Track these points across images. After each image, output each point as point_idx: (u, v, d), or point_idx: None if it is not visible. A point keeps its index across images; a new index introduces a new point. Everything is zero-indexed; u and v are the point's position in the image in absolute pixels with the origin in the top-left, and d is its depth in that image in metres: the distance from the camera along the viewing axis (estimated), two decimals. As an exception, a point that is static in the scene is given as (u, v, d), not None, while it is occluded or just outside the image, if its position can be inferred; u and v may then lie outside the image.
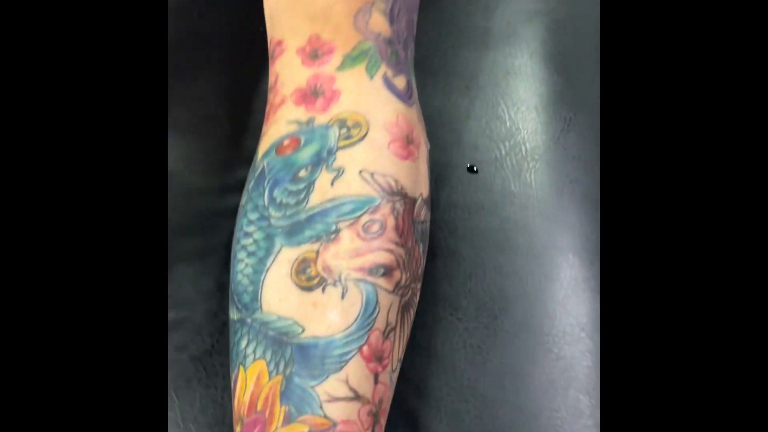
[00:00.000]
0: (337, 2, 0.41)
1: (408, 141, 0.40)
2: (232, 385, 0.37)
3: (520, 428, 0.36)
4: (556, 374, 0.36)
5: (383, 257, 0.37)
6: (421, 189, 0.40)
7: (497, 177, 0.44)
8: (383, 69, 0.41)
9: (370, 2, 0.41)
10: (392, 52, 0.42)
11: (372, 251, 0.36)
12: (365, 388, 0.34)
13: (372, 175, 0.38)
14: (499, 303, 0.40)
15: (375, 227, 0.37)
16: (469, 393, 0.38)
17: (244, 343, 0.37)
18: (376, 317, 0.36)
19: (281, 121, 0.41)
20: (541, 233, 0.42)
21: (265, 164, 0.40)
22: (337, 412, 0.34)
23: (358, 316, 0.35)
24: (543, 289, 0.40)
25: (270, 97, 0.43)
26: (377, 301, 0.36)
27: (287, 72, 0.42)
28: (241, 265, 0.39)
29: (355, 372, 0.34)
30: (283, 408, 0.34)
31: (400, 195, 0.38)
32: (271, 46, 0.43)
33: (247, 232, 0.39)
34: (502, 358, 0.38)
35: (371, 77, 0.40)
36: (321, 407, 0.34)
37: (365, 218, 0.36)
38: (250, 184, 0.41)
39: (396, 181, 0.38)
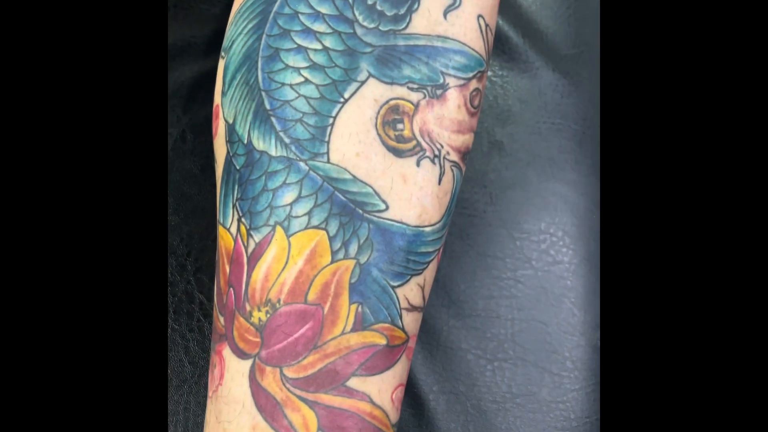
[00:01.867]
0: None
1: None
2: (241, 247, 0.25)
3: (504, 341, 0.33)
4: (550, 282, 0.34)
5: (471, 142, 0.28)
6: None
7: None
8: None
9: None
10: None
11: (470, 131, 0.28)
12: (426, 298, 0.27)
13: (487, 27, 0.28)
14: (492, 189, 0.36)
15: (477, 100, 0.28)
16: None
17: (288, 195, 0.25)
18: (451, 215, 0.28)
19: None
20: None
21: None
22: (411, 324, 0.26)
23: (447, 210, 0.27)
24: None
25: None
26: (456, 197, 0.28)
27: None
28: (296, 76, 0.25)
29: (429, 278, 0.27)
30: (354, 307, 0.24)
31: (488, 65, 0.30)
32: None
33: (310, 29, 0.25)
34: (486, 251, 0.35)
35: None
36: (401, 316, 0.25)
37: (474, 84, 0.27)
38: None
39: (492, 45, 0.30)
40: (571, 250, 0.35)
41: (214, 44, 0.34)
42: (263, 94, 0.25)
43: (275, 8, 0.26)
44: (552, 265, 0.35)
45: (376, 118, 0.26)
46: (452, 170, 0.27)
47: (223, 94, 0.27)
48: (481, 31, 0.28)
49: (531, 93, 0.38)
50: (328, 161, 0.25)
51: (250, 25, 0.26)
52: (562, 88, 0.38)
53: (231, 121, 0.26)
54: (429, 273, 0.27)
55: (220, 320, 0.26)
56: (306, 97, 0.25)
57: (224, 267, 0.26)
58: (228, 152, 0.26)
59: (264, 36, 0.26)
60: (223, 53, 0.27)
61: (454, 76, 0.26)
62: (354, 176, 0.25)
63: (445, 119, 0.26)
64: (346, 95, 0.25)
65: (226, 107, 0.26)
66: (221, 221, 0.26)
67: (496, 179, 0.36)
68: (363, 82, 0.25)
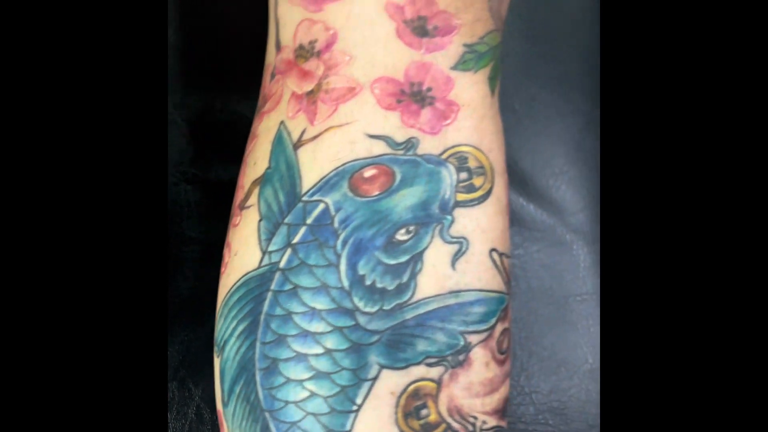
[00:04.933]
0: None
1: None
2: None
3: None
4: None
5: (508, 390, 0.25)
6: None
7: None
8: (498, 81, 0.27)
9: None
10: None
11: (504, 379, 0.25)
12: None
13: (501, 257, 0.25)
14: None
15: (506, 343, 0.25)
16: None
17: None
18: None
19: (355, 130, 0.24)
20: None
21: (331, 205, 0.23)
22: None
23: None
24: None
25: (310, 66, 0.25)
26: None
27: (363, 38, 0.24)
28: (299, 391, 0.22)
29: None
30: None
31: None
32: None
33: (310, 332, 0.22)
34: None
35: (492, 92, 0.26)
36: None
37: (499, 328, 0.24)
38: (296, 234, 0.23)
39: (510, 265, 0.26)
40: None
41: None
42: (267, 416, 0.22)
43: (265, 309, 0.23)
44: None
45: (396, 414, 0.22)
46: None
47: (224, 404, 0.24)
48: (496, 264, 0.25)
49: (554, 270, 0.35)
50: None
51: (240, 327, 0.24)
52: (582, 254, 0.35)
53: None
54: None
55: None
56: (314, 415, 0.22)
57: None
58: None
59: (258, 343, 0.23)
60: (216, 350, 0.25)
61: (476, 332, 0.23)
62: None
63: (475, 385, 0.23)
64: (359, 400, 0.22)
65: (230, 423, 0.23)
66: None
67: (534, 389, 0.33)
68: (375, 379, 0.22)
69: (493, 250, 0.24)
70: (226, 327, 0.24)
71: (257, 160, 0.25)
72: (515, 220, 0.35)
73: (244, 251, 0.24)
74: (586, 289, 0.34)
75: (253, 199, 0.25)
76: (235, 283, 0.24)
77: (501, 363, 0.24)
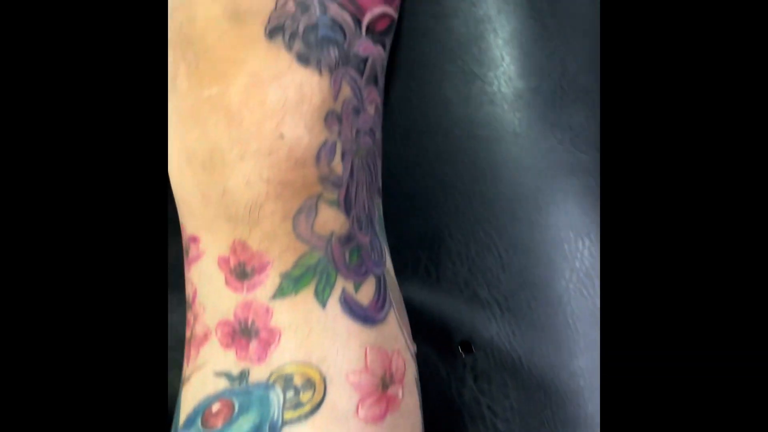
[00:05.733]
0: (266, 200, 0.28)
1: (385, 385, 0.28)
2: None
3: None
4: None
5: None
6: None
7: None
8: (341, 285, 0.28)
9: (314, 196, 0.28)
10: (352, 251, 0.29)
11: None
12: None
13: None
14: None
15: None
16: None
17: None
18: None
19: (207, 371, 0.29)
20: None
21: (191, 440, 0.29)
22: None
23: None
24: None
25: (189, 316, 0.31)
26: None
27: (208, 290, 0.29)
28: None
29: None
30: None
31: None
32: (184, 237, 0.31)
33: None
34: None
35: (324, 304, 0.28)
36: None
37: None
38: (174, 469, 0.29)
39: None
40: None
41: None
42: None
43: None
44: None
45: None
46: None
47: None
48: None
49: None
50: None
51: None
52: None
53: None
54: None
55: None
56: None
57: None
58: None
59: None
60: None
61: None
62: None
63: None
64: None
65: None
66: None
67: None
68: None
69: None
70: None
71: None
72: (504, 371, 0.33)
73: None
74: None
75: None
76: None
77: None
